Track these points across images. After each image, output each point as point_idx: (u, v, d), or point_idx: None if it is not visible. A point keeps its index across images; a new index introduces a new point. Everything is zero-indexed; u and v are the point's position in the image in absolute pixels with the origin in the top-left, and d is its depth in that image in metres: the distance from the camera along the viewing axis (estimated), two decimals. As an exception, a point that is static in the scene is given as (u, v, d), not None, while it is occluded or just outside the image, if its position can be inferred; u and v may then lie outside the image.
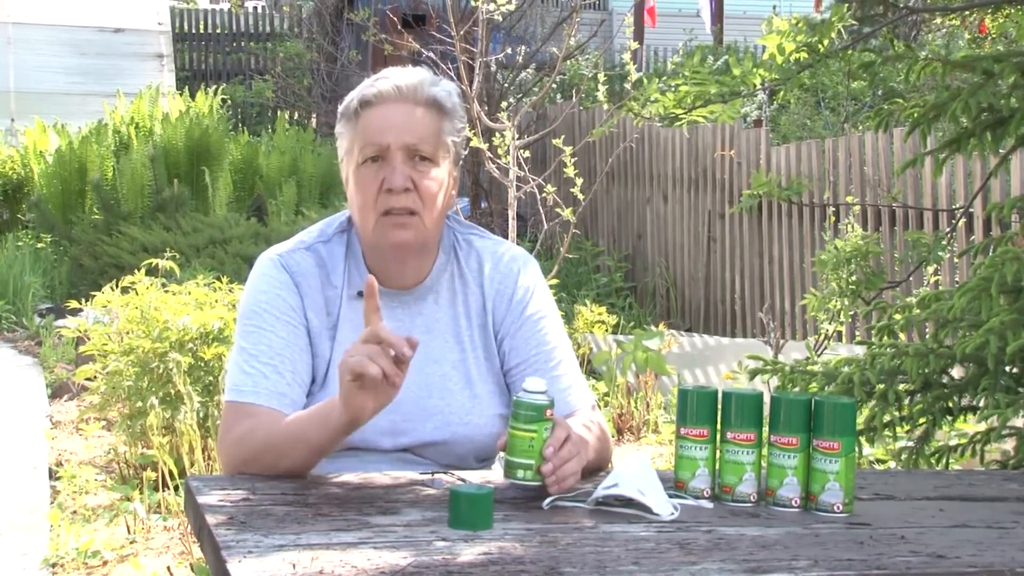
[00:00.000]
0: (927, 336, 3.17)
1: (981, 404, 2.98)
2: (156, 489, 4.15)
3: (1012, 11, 4.43)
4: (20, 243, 8.99)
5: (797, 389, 3.07)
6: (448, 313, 2.16)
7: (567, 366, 2.18)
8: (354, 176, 2.08)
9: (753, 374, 3.25)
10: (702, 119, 3.68)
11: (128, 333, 4.57)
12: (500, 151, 6.08)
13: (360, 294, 2.12)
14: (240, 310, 2.13)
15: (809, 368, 3.15)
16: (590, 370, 6.25)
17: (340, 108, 2.13)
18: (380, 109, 2.06)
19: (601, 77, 6.21)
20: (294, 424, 1.93)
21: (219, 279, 4.97)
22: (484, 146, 5.96)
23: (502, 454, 1.89)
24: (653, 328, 6.45)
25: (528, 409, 1.83)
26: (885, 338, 3.22)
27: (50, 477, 4.71)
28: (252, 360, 2.04)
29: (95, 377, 4.76)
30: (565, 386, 2.15)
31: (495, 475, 2.05)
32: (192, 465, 4.00)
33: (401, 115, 2.05)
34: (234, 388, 2.03)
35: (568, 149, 5.78)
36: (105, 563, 3.78)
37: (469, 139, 5.95)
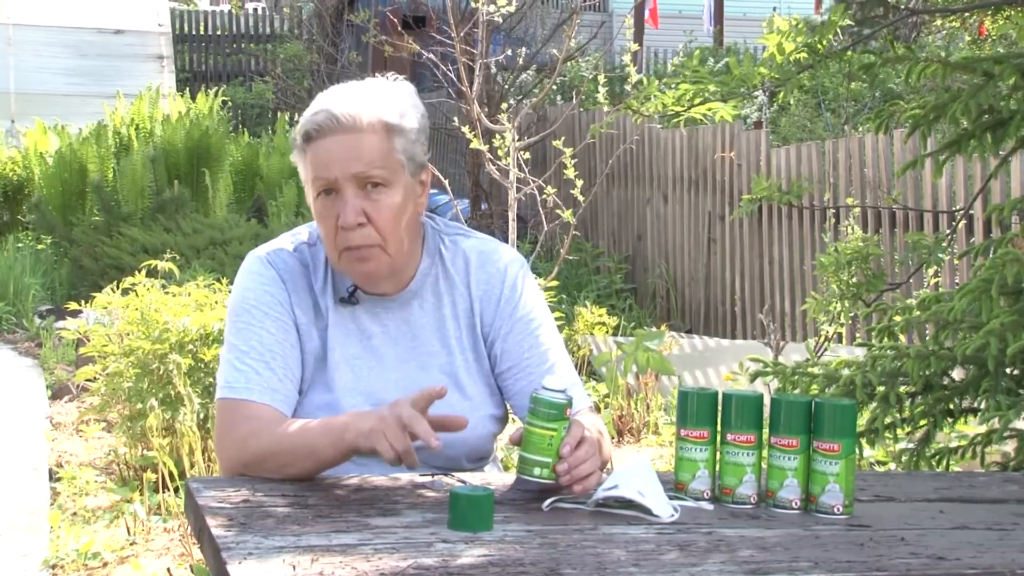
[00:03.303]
0: (927, 338, 3.17)
1: (982, 406, 2.98)
2: (156, 491, 4.15)
3: (1012, 13, 4.44)
4: (20, 244, 9.00)
5: (798, 391, 3.07)
6: (433, 317, 2.15)
7: (562, 368, 2.17)
8: (314, 206, 2.06)
9: (754, 376, 3.25)
10: (701, 116, 3.68)
11: (128, 334, 4.57)
12: (500, 153, 6.08)
13: (342, 300, 2.11)
14: (229, 308, 2.13)
15: (810, 370, 3.15)
16: (590, 372, 6.25)
17: (291, 137, 2.10)
18: (323, 142, 2.01)
19: (601, 79, 6.21)
20: (303, 435, 1.92)
21: (219, 280, 4.97)
22: (484, 148, 5.97)
23: (516, 449, 1.89)
24: (653, 330, 6.45)
25: (549, 407, 1.83)
26: (885, 340, 3.22)
27: (50, 478, 4.70)
28: (243, 356, 2.04)
29: (95, 378, 4.76)
30: (561, 388, 2.15)
31: (495, 476, 2.05)
32: (192, 467, 4.00)
33: (344, 146, 2.00)
34: (227, 385, 2.03)
35: (568, 151, 5.78)
36: (105, 564, 3.77)
37: (470, 141, 5.98)
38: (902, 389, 2.98)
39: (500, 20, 7.70)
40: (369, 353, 2.11)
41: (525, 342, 2.15)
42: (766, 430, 1.91)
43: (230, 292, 2.18)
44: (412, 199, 2.07)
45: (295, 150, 2.07)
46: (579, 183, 5.74)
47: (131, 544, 3.92)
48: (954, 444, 3.18)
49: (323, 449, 1.89)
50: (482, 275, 2.17)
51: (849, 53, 3.49)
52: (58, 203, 9.07)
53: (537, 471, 1.83)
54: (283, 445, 1.92)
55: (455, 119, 7.44)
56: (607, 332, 6.71)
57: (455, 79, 6.53)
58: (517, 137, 6.01)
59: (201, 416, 4.27)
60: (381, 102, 2.04)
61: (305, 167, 2.05)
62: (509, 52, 8.23)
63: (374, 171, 2.01)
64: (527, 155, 6.36)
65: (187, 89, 12.78)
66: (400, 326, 2.13)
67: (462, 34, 6.46)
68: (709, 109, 3.60)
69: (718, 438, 1.91)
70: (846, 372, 3.06)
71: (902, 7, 3.58)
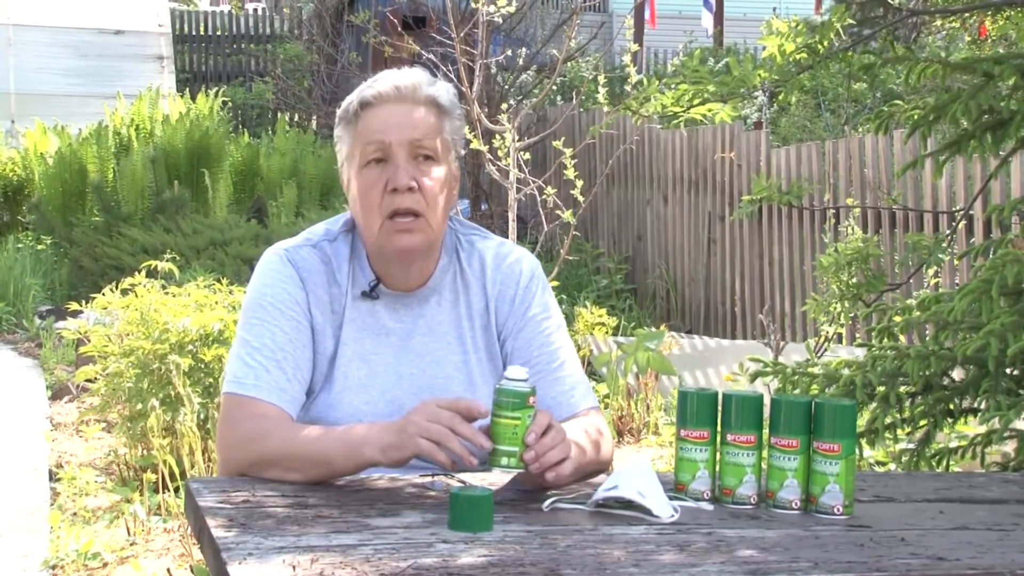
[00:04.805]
0: (927, 338, 3.17)
1: (982, 406, 2.98)
2: (156, 491, 4.15)
3: (1012, 13, 4.44)
4: (20, 245, 9.00)
5: (798, 391, 3.07)
6: (450, 315, 2.16)
7: (570, 367, 2.18)
8: (357, 179, 2.07)
9: (754, 376, 3.25)
10: (700, 116, 3.69)
11: (128, 335, 4.57)
12: (500, 153, 6.08)
13: (364, 294, 2.12)
14: (244, 302, 2.12)
15: (810, 370, 3.15)
16: (590, 372, 6.25)
17: (339, 112, 2.13)
18: (380, 109, 2.06)
19: (601, 79, 6.22)
20: (317, 444, 1.91)
21: (219, 281, 4.97)
22: (484, 148, 5.97)
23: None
24: (653, 330, 6.45)
25: (511, 396, 1.83)
26: (885, 340, 3.22)
27: (50, 479, 4.71)
28: (255, 353, 2.03)
29: (95, 379, 4.76)
30: (568, 387, 2.14)
31: (495, 477, 2.05)
32: (192, 467, 4.00)
33: (401, 114, 2.06)
34: (235, 380, 2.03)
35: (568, 151, 5.78)
36: (105, 565, 3.78)
37: (469, 141, 5.97)
38: (902, 389, 2.98)
39: (500, 20, 7.70)
40: (386, 348, 2.11)
41: (535, 341, 2.16)
42: (766, 430, 1.91)
43: (231, 293, 2.18)
44: (450, 185, 2.12)
45: (341, 124, 2.11)
46: (579, 183, 5.74)
47: (131, 544, 3.92)
48: (954, 444, 3.18)
49: (339, 461, 1.88)
50: (498, 275, 2.18)
51: (849, 53, 3.50)
52: (58, 203, 9.07)
53: (505, 460, 1.83)
54: (294, 451, 1.91)
55: (455, 119, 7.41)
56: (607, 332, 6.71)
57: (455, 79, 6.53)
58: (517, 137, 6.01)
59: (201, 416, 4.27)
60: (435, 86, 2.12)
61: (353, 137, 2.08)
62: (509, 52, 8.23)
63: (427, 141, 2.06)
64: (527, 155, 6.36)
65: (187, 89, 12.78)
66: (417, 321, 2.13)
67: (462, 34, 6.46)
68: (709, 110, 3.61)
69: (718, 438, 1.91)
70: (846, 372, 3.06)
71: (902, 7, 3.58)
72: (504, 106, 7.43)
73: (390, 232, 2.05)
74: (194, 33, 15.96)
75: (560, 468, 1.85)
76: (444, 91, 2.12)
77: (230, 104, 12.78)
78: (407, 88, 2.07)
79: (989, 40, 10.57)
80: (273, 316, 2.06)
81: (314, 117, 13.79)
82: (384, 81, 2.08)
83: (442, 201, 2.08)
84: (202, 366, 4.44)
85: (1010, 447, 3.24)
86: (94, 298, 5.02)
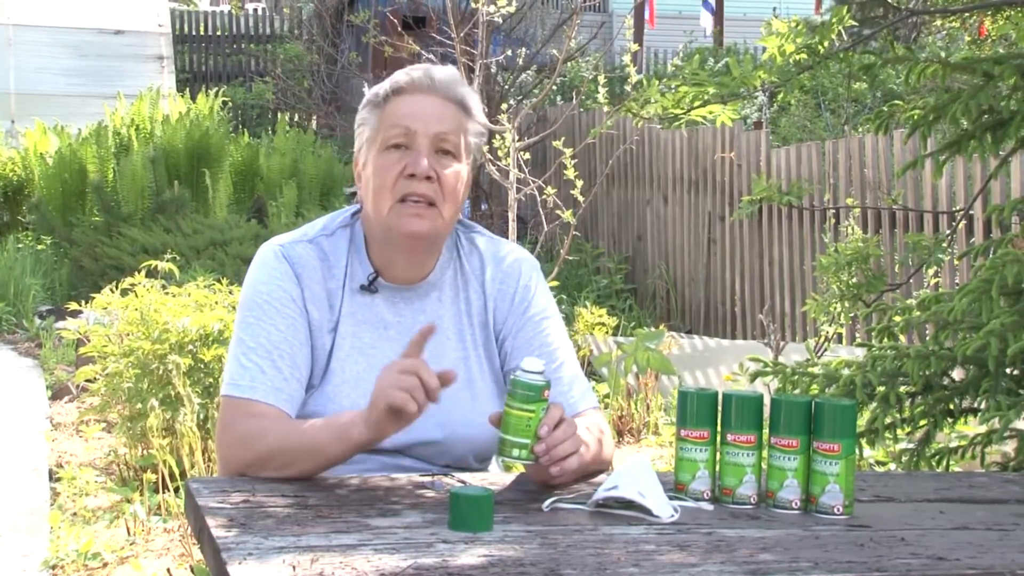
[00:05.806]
0: (927, 338, 3.17)
1: (982, 406, 2.98)
2: (156, 491, 4.15)
3: (1012, 13, 4.44)
4: (20, 245, 8.99)
5: (798, 391, 3.07)
6: (451, 311, 2.16)
7: (569, 367, 2.18)
8: (375, 161, 2.08)
9: (754, 376, 3.25)
10: (701, 119, 3.69)
11: (128, 335, 4.57)
12: (500, 153, 6.08)
13: (362, 288, 2.12)
14: (240, 300, 2.12)
15: (810, 370, 3.15)
16: (590, 372, 6.25)
17: (366, 97, 2.14)
18: (411, 97, 2.08)
19: (601, 79, 6.22)
20: (308, 433, 1.92)
21: (219, 281, 4.97)
22: (484, 148, 5.96)
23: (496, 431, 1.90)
24: (653, 330, 6.45)
25: (527, 389, 1.84)
26: (885, 340, 3.22)
27: (50, 479, 4.71)
28: (250, 353, 2.03)
29: (95, 379, 4.76)
30: (568, 387, 2.14)
31: (495, 477, 2.05)
32: (192, 467, 4.00)
33: (430, 105, 2.08)
34: (231, 382, 2.02)
35: (568, 151, 5.78)
36: (105, 565, 3.78)
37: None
38: (902, 389, 2.98)
39: (500, 20, 7.69)
40: (385, 342, 2.11)
41: (535, 340, 2.17)
42: (766, 430, 1.91)
43: (231, 293, 2.18)
44: (465, 185, 2.13)
45: (367, 107, 2.12)
46: (579, 183, 5.74)
47: (131, 544, 3.92)
48: (954, 444, 3.18)
49: (328, 446, 1.89)
50: (497, 274, 2.19)
51: (849, 53, 3.49)
52: (58, 203, 9.07)
53: (516, 452, 1.84)
54: (286, 445, 1.92)
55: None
56: (607, 332, 6.71)
57: (455, 80, 6.52)
58: (517, 137, 6.01)
59: (201, 416, 4.27)
60: (465, 87, 2.15)
61: (379, 120, 2.09)
62: (509, 52, 8.23)
63: (452, 137, 2.08)
64: (527, 155, 6.36)
65: (187, 89, 12.79)
66: (417, 316, 2.13)
67: (462, 34, 6.46)
68: (709, 112, 3.61)
69: (718, 438, 1.91)
70: (846, 372, 3.06)
71: (902, 7, 3.58)
72: (504, 106, 7.42)
73: (400, 214, 2.05)
74: (194, 33, 15.96)
75: (566, 463, 1.85)
76: (475, 97, 2.15)
77: (230, 104, 12.78)
78: (441, 82, 2.09)
79: (989, 40, 10.56)
80: (268, 314, 2.06)
81: (314, 117, 13.78)
82: (420, 70, 2.10)
83: (456, 196, 2.09)
84: (202, 366, 4.44)
85: (1010, 447, 3.24)
86: (94, 298, 5.02)
